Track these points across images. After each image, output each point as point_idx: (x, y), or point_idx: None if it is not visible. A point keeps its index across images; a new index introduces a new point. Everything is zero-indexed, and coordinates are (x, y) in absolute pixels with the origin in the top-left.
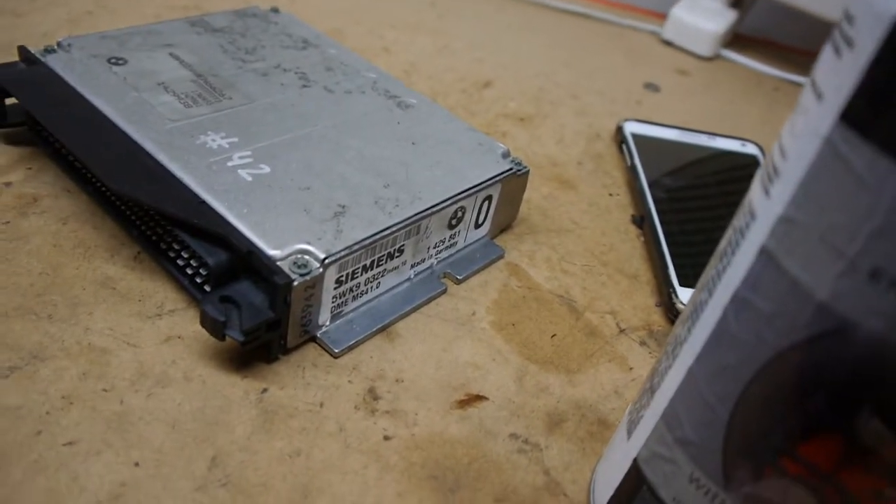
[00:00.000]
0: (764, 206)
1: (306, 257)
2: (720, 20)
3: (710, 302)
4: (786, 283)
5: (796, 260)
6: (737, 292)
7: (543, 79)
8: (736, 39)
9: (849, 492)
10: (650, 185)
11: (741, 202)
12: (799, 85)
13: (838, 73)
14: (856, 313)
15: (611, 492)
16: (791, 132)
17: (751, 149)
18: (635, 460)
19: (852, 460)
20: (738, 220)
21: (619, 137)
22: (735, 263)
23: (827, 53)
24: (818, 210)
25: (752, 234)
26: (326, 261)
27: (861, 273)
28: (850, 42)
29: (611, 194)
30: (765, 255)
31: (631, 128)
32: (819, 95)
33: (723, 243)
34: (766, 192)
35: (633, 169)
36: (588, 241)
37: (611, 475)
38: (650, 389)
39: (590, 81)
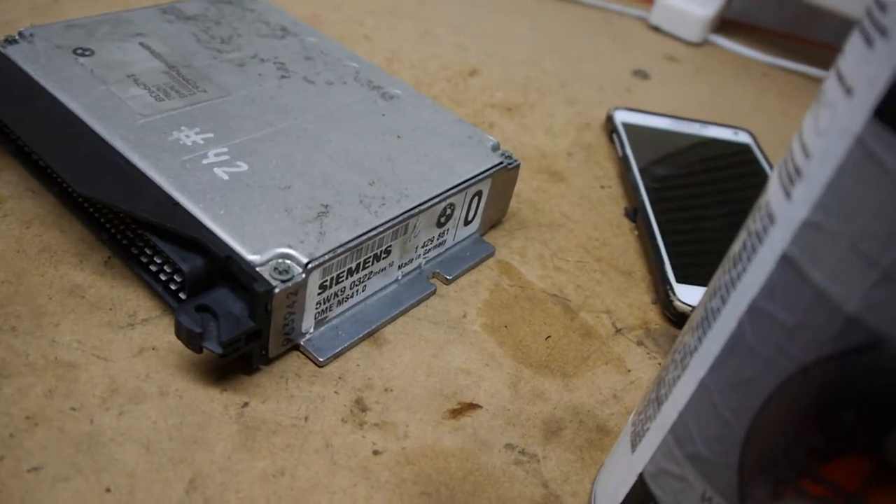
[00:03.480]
0: (785, 209)
1: (288, 262)
2: (708, 5)
3: (723, 310)
4: (810, 294)
5: (823, 269)
6: (754, 302)
7: (530, 66)
8: (724, 25)
9: None
10: (643, 177)
11: (755, 206)
12: (788, 70)
13: (870, 65)
14: (890, 327)
15: None
16: (815, 129)
17: (743, 137)
18: (641, 475)
19: (879, 481)
20: (754, 223)
21: (610, 127)
22: (752, 270)
23: (856, 43)
24: (848, 215)
25: (772, 239)
26: (309, 265)
27: None
28: (883, 31)
29: (602, 186)
30: (786, 262)
31: (621, 117)
32: (848, 90)
33: (736, 246)
34: (787, 194)
35: (624, 160)
36: (580, 235)
37: (614, 489)
38: (656, 400)
39: (577, 69)
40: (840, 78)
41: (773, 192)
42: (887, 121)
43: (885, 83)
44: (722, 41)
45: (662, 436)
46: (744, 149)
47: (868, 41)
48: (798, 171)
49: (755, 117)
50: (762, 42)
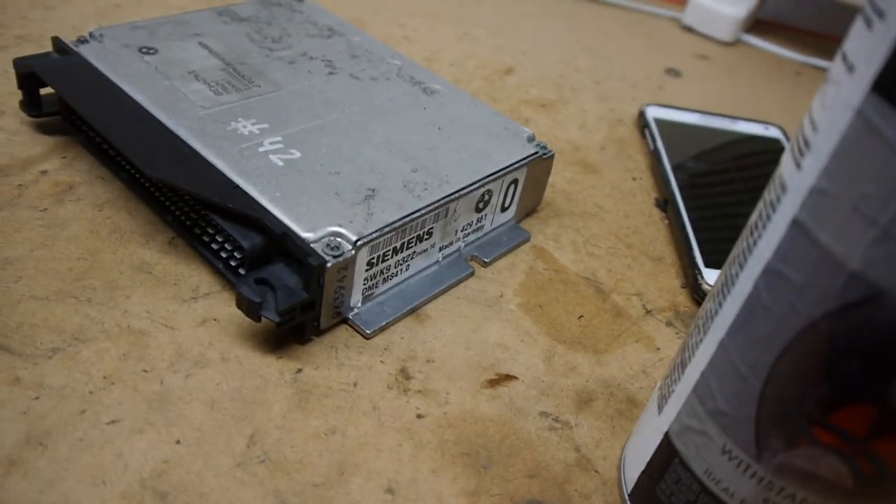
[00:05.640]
0: (795, 178)
1: (339, 239)
2: (741, 5)
3: (741, 275)
4: (818, 254)
5: (828, 230)
6: (768, 264)
7: (564, 65)
8: (757, 24)
9: (881, 459)
10: (673, 168)
11: (770, 179)
12: (821, 69)
13: (869, 45)
14: (888, 280)
15: (642, 466)
16: (822, 105)
17: (774, 132)
18: (666, 434)
19: (885, 428)
20: (769, 194)
21: (642, 122)
22: (766, 237)
23: (858, 25)
24: (850, 180)
25: (784, 206)
26: (358, 243)
27: (893, 240)
28: (881, 13)
29: (634, 178)
30: (796, 226)
31: (653, 112)
32: (850, 67)
33: (753, 217)
34: (798, 164)
35: (655, 153)
36: (612, 224)
37: (641, 450)
38: (681, 364)
39: (610, 67)
40: (844, 58)
41: (785, 164)
42: (884, 94)
43: (882, 60)
44: (755, 41)
45: (686, 395)
46: (774, 143)
47: (868, 23)
48: (807, 144)
49: (787, 114)
50: (795, 41)
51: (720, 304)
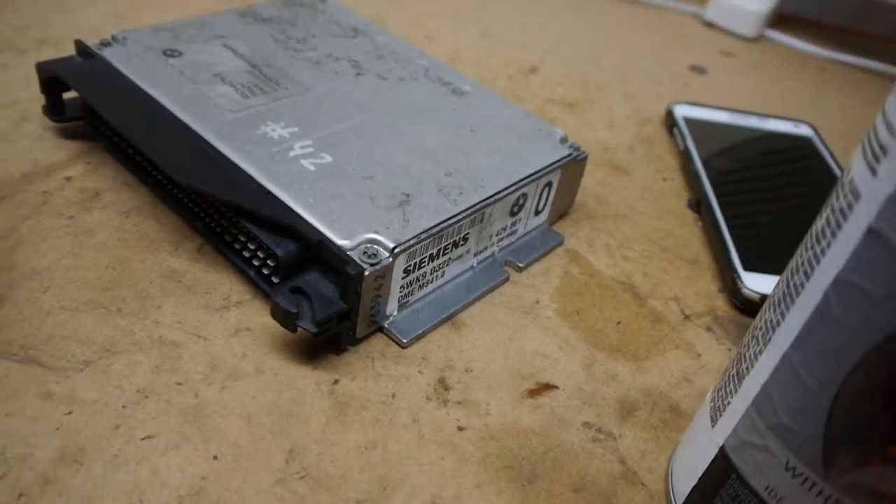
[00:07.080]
0: (870, 185)
1: (376, 247)
2: (763, 0)
3: (807, 285)
4: None
5: None
6: (840, 275)
7: (588, 63)
8: (780, 20)
9: None
10: (705, 169)
11: (836, 184)
12: (846, 65)
13: None
14: None
15: (694, 480)
16: None
17: (804, 130)
18: (722, 448)
19: None
20: (837, 201)
21: (670, 121)
22: (837, 245)
23: None
24: None
25: (857, 214)
26: (396, 250)
27: None
28: None
29: (664, 179)
30: (873, 235)
31: (682, 111)
32: None
33: (819, 224)
34: (873, 171)
35: (686, 153)
36: (645, 226)
37: (693, 463)
38: (737, 375)
39: (635, 65)
40: None
41: (857, 170)
42: None
43: None
44: (778, 36)
45: (745, 409)
46: (805, 141)
47: None
48: (883, 149)
49: (813, 111)
50: (819, 37)
51: (782, 315)
